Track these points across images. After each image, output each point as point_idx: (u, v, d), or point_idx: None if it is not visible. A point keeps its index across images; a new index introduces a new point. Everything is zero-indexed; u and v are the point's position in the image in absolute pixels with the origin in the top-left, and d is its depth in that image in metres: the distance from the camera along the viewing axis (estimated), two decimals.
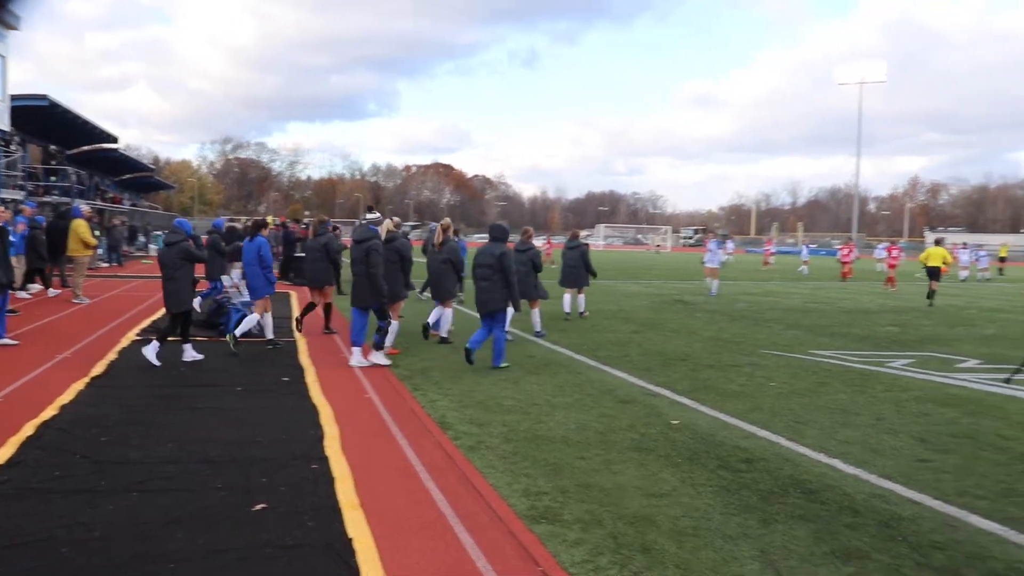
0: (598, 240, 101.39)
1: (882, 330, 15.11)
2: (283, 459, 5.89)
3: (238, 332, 10.63)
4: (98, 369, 9.13)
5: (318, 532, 4.49)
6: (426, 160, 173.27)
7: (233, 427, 6.80)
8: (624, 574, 4.03)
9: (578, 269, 15.29)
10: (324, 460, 5.89)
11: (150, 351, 9.49)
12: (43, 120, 31.43)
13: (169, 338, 9.72)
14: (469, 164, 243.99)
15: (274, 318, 11.46)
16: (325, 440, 6.43)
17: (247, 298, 11.82)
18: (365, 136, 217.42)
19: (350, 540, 4.36)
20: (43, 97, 28.95)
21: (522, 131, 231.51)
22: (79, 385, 8.25)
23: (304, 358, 10.34)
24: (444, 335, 11.93)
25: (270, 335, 11.23)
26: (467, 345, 9.90)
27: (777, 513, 4.95)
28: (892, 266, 29.25)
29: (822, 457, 6.25)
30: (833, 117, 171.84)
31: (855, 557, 4.29)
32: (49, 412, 7.09)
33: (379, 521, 4.68)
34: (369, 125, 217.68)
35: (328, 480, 5.43)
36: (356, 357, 10.01)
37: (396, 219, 10.95)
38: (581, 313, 15.69)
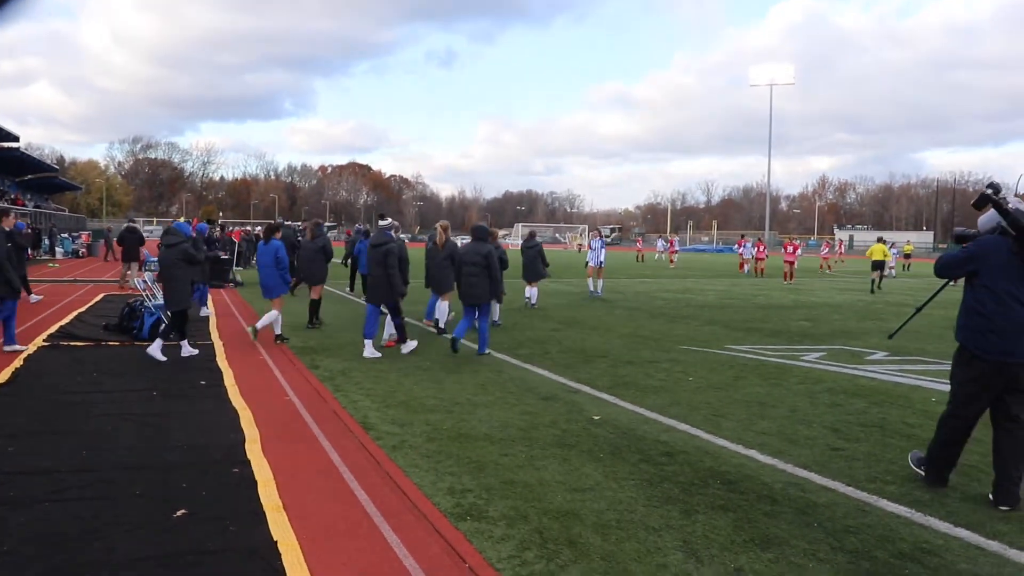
0: (516, 240, 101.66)
1: (795, 325, 15.58)
2: (203, 464, 5.77)
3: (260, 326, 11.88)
4: (2, 377, 8.77)
5: (242, 536, 4.41)
6: (342, 160, 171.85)
7: (150, 433, 6.62)
8: (551, 567, 4.07)
9: (536, 265, 17.44)
10: (246, 463, 5.78)
11: (155, 351, 10.09)
12: None
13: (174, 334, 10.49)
14: (386, 164, 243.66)
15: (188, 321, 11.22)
16: (246, 443, 6.31)
17: (161, 301, 11.69)
18: (280, 136, 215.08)
19: (275, 543, 4.29)
20: None
21: (440, 131, 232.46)
22: None
23: (222, 361, 10.13)
24: (442, 326, 13.06)
25: (278, 330, 11.89)
26: (452, 335, 10.98)
27: (698, 504, 5.06)
28: (789, 262, 30.80)
29: (740, 448, 6.41)
30: (746, 118, 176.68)
31: (774, 544, 4.42)
32: None
33: (304, 523, 4.62)
34: (284, 125, 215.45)
35: (250, 483, 5.33)
36: (368, 349, 10.69)
37: (396, 223, 11.97)
38: (533, 304, 17.50)
